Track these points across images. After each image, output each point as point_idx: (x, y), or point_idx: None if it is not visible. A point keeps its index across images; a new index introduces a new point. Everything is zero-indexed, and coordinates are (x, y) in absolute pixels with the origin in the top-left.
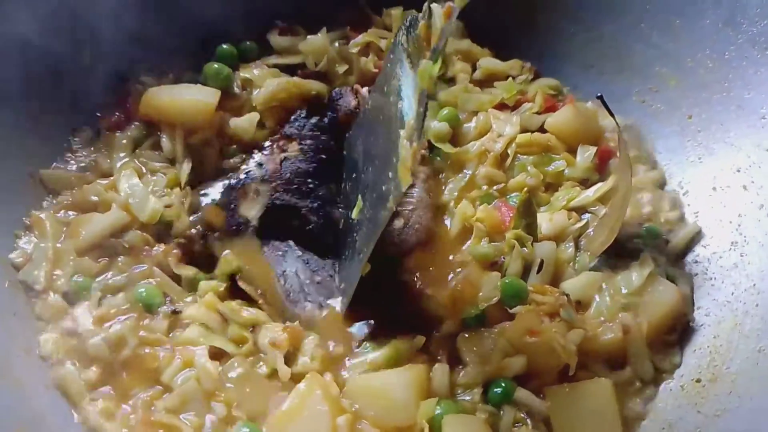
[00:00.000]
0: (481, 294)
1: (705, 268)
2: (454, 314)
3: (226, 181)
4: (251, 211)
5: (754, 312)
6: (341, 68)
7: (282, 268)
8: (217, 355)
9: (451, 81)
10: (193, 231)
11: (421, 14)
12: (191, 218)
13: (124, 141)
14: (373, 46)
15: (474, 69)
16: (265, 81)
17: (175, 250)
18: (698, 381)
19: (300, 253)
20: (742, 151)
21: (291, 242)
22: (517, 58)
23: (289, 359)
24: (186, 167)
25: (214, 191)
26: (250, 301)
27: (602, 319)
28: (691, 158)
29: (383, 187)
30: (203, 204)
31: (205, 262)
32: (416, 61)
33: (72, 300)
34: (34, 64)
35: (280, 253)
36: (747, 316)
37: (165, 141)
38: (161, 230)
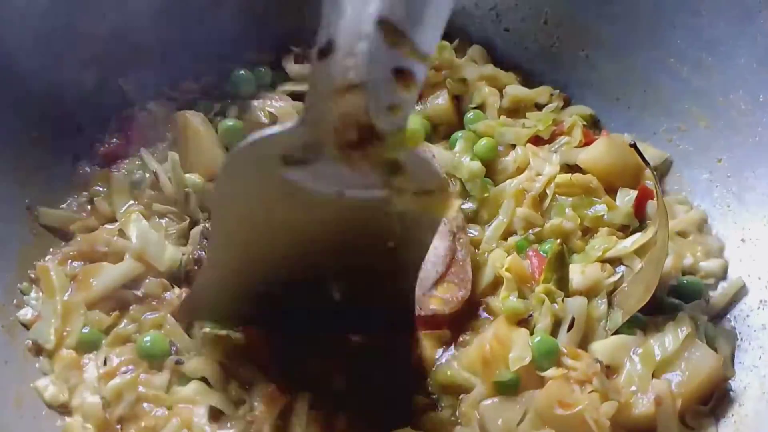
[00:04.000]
0: (512, 354)
1: (731, 326)
2: (486, 377)
3: None
4: None
5: None
6: None
7: None
8: (216, 413)
9: (479, 108)
10: (202, 253)
11: None
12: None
13: (124, 181)
14: None
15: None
16: (287, 116)
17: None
18: None
19: None
20: None
21: None
22: (540, 86)
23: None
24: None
25: None
26: None
27: (634, 388)
28: (718, 205)
29: None
30: None
31: None
32: None
33: (81, 352)
34: (33, 83)
35: None
36: None
37: (166, 182)
38: (176, 274)
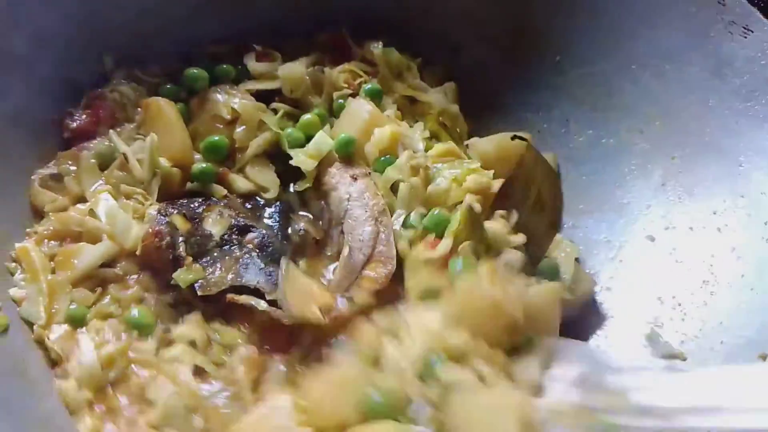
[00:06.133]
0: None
1: (678, 302)
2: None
3: (193, 199)
4: (215, 227)
5: (719, 348)
6: (315, 100)
7: (244, 281)
8: (200, 372)
9: None
10: (163, 227)
11: None
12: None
13: (93, 160)
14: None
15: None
16: (248, 115)
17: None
18: None
19: (263, 265)
20: (719, 195)
21: (254, 254)
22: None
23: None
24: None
25: (183, 206)
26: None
27: None
28: (671, 197)
29: None
30: (170, 211)
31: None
32: None
33: (73, 327)
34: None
35: (243, 265)
36: (713, 352)
37: (135, 164)
38: None
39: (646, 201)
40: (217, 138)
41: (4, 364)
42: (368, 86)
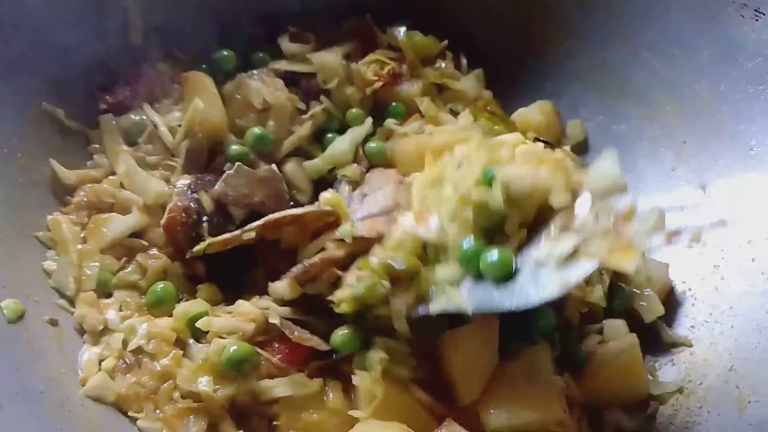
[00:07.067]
0: None
1: (688, 287)
2: None
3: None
4: (237, 212)
5: (729, 333)
6: (348, 89)
7: None
8: None
9: None
10: (191, 204)
11: None
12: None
13: (117, 132)
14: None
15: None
16: (281, 109)
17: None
18: None
19: None
20: (732, 179)
21: None
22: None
23: None
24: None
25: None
26: None
27: None
28: (682, 182)
29: None
30: (199, 185)
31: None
32: None
33: (99, 295)
34: (44, 39)
35: None
36: (722, 336)
37: (165, 132)
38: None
39: (656, 186)
40: (261, 131)
41: (23, 353)
42: (393, 105)
